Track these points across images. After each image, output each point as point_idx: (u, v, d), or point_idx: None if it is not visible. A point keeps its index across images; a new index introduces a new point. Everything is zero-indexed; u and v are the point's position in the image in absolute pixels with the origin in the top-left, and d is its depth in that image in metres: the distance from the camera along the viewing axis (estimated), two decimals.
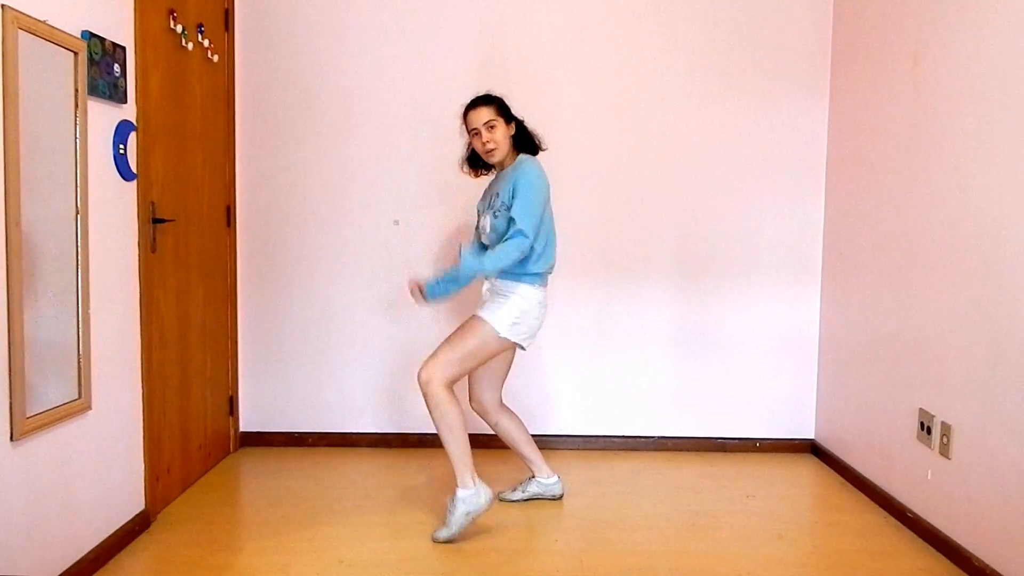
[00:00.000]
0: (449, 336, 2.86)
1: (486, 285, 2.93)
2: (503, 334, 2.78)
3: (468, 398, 3.04)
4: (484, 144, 2.82)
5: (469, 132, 2.87)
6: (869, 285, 3.32)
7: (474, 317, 2.84)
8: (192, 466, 3.27)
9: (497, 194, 2.84)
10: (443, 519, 2.79)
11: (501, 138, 2.82)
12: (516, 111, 2.91)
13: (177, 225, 3.05)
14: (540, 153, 2.94)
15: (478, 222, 2.99)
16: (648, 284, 3.80)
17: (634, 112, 3.75)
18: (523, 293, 2.81)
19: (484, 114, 2.81)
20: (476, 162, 2.99)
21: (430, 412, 2.76)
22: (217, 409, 3.55)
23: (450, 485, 2.81)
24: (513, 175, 2.80)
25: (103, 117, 2.51)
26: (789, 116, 3.75)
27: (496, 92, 2.90)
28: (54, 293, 2.27)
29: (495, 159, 2.86)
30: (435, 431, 2.78)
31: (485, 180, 3.07)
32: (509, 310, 2.79)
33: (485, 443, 3.40)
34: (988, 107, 2.53)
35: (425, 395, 2.74)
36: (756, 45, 3.72)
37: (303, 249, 3.77)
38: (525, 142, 2.92)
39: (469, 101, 2.87)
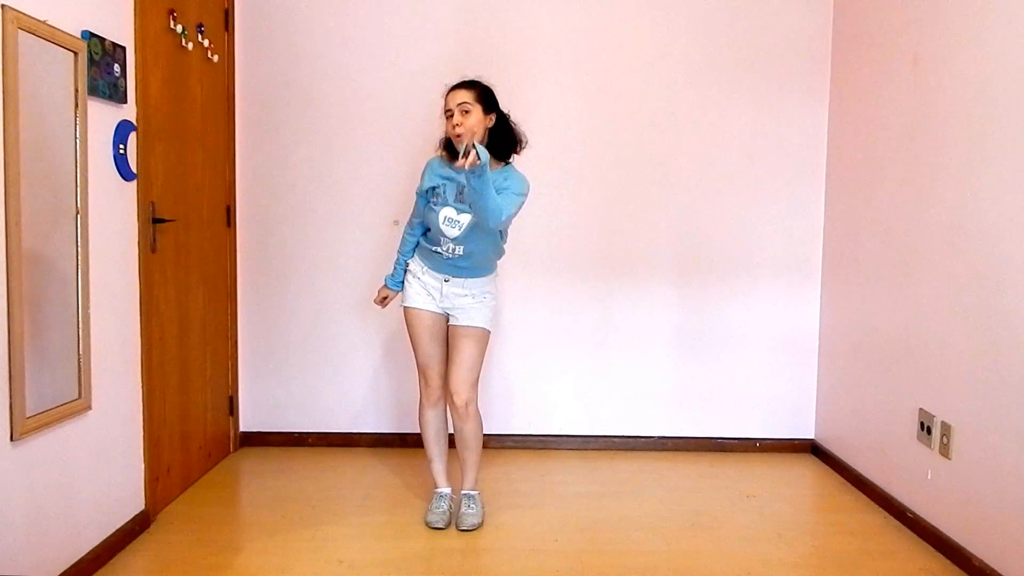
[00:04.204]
0: (462, 352, 2.83)
1: (454, 290, 2.81)
2: (490, 330, 2.94)
3: (433, 397, 2.93)
4: (453, 127, 2.69)
5: (445, 114, 2.74)
6: (869, 285, 3.31)
7: (478, 330, 2.83)
8: (192, 466, 3.27)
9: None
10: (462, 512, 2.91)
11: (473, 124, 2.67)
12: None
13: (177, 225, 3.05)
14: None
15: (435, 213, 2.75)
16: (648, 284, 3.80)
17: (634, 112, 3.74)
18: (495, 288, 2.92)
19: (460, 96, 2.70)
20: (451, 148, 2.78)
21: (470, 429, 2.87)
22: (217, 409, 3.55)
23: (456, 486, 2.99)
24: (501, 179, 2.69)
25: (103, 117, 2.51)
26: (789, 116, 3.75)
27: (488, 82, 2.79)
28: (54, 292, 2.27)
29: (461, 144, 2.63)
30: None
31: None
32: (492, 308, 2.90)
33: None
34: (988, 107, 2.53)
35: (467, 416, 2.85)
36: (756, 45, 3.72)
37: (303, 249, 3.77)
38: (503, 139, 2.76)
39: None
